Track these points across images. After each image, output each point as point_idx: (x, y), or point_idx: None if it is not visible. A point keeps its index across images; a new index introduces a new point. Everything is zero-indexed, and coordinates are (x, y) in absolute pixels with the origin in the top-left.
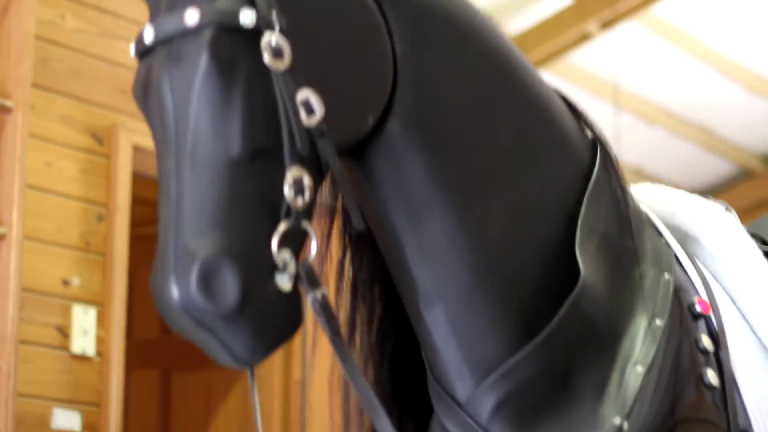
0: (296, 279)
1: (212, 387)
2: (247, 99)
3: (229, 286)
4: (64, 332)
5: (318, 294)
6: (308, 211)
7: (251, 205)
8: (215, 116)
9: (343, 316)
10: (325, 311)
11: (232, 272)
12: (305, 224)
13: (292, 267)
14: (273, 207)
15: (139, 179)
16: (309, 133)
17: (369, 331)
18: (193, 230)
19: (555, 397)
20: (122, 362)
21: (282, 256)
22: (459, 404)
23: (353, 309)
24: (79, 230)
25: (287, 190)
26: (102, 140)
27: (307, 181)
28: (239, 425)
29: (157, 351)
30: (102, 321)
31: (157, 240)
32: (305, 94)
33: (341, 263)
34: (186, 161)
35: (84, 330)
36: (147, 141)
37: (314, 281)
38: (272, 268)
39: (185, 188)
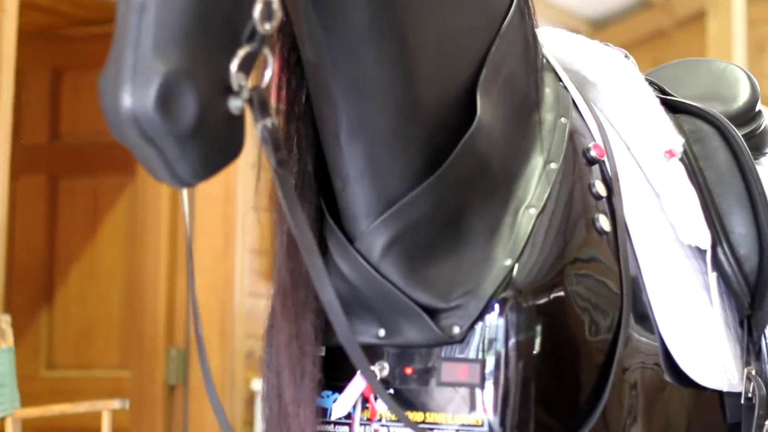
0: (248, 104)
1: (100, 193)
2: None
3: (187, 107)
4: None
5: (267, 122)
6: (271, 38)
7: (218, 23)
8: None
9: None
10: (273, 140)
11: (192, 93)
12: (266, 51)
13: (246, 92)
14: (238, 28)
15: None
16: None
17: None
18: (157, 42)
19: (447, 237)
20: (7, 168)
21: (239, 79)
22: (351, 241)
23: (290, 138)
24: None
25: (257, 12)
26: None
27: (276, 5)
28: (126, 232)
29: (44, 156)
30: None
31: (48, 45)
32: None
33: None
34: None
35: None
36: None
37: (266, 108)
38: (227, 90)
39: None
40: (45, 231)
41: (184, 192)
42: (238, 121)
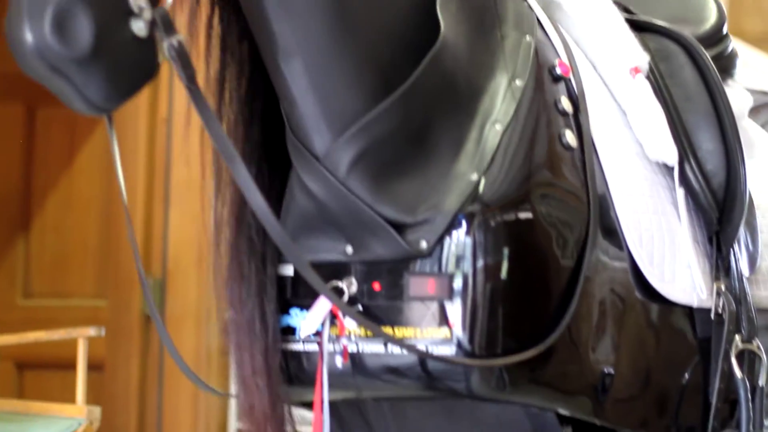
0: (152, 26)
1: (77, 123)
2: None
3: (83, 30)
4: None
5: (174, 40)
6: None
7: None
8: None
9: (213, 71)
10: (181, 58)
11: (85, 15)
12: None
13: (147, 13)
14: None
15: None
16: None
17: (239, 88)
18: None
19: (413, 152)
20: None
21: (137, 1)
22: (317, 158)
23: (223, 65)
24: None
25: None
26: None
27: None
28: (104, 162)
29: (21, 85)
30: None
31: None
32: None
33: (209, 20)
34: None
35: None
36: None
37: (170, 27)
38: (128, 13)
39: None
40: (22, 160)
41: (109, 126)
42: (148, 43)
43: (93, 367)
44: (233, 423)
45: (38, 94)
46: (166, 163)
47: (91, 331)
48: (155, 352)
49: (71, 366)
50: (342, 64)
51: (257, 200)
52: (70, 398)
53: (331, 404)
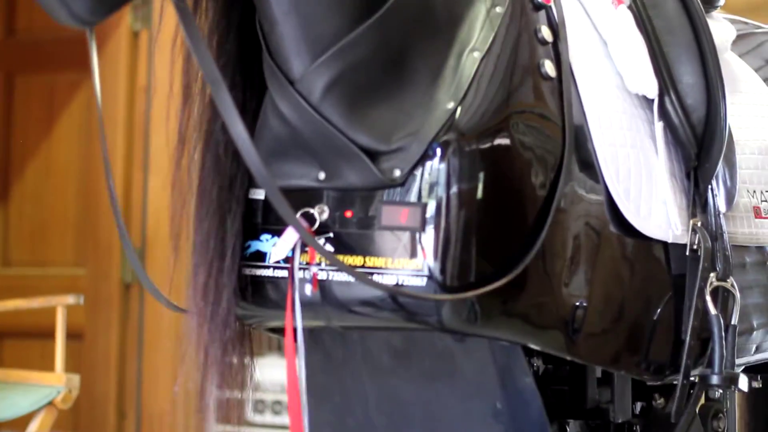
0: None
1: (56, 90)
2: None
3: None
4: None
5: None
6: None
7: None
8: None
9: None
10: None
11: None
12: None
13: None
14: None
15: None
16: None
17: None
18: None
19: (389, 79)
20: None
21: None
22: (292, 82)
23: None
24: None
25: None
26: None
27: None
28: (82, 130)
29: (0, 52)
30: None
31: None
32: None
33: None
34: None
35: None
36: None
37: None
38: None
39: None
40: (1, 129)
41: (92, 43)
42: None
43: (72, 335)
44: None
45: (17, 62)
46: (146, 132)
47: (70, 299)
48: (134, 321)
49: (50, 334)
50: None
51: (234, 121)
52: (50, 366)
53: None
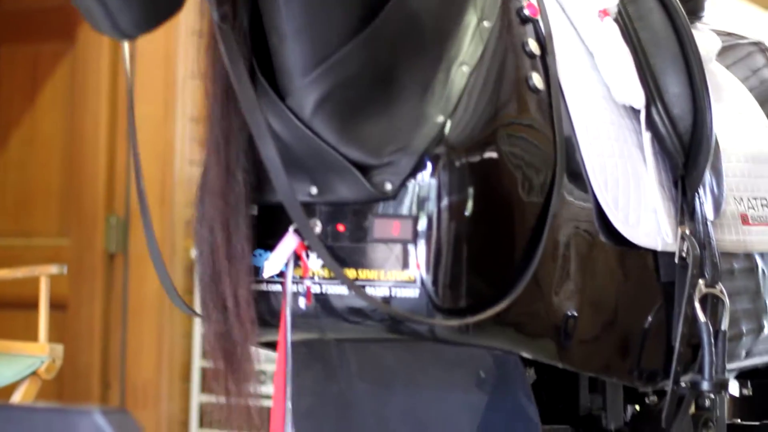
0: None
1: (40, 60)
2: None
3: None
4: None
5: None
6: None
7: None
8: None
9: None
10: None
11: None
12: None
13: None
14: None
15: None
16: None
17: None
18: None
19: (379, 94)
20: None
21: None
22: (283, 99)
23: None
24: None
25: None
26: None
27: None
28: (66, 99)
29: None
30: None
31: None
32: None
33: None
34: None
35: None
36: None
37: None
38: None
39: None
40: None
41: (126, 51)
42: None
43: (56, 306)
44: (197, 361)
45: (1, 31)
46: (129, 101)
47: (53, 269)
48: (118, 291)
49: (34, 305)
50: (338, 4)
51: (268, 148)
52: (33, 337)
53: (294, 344)
